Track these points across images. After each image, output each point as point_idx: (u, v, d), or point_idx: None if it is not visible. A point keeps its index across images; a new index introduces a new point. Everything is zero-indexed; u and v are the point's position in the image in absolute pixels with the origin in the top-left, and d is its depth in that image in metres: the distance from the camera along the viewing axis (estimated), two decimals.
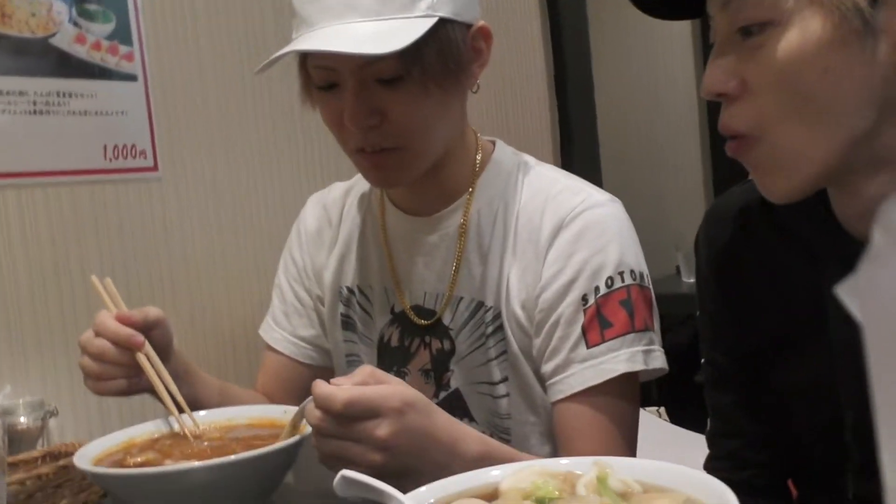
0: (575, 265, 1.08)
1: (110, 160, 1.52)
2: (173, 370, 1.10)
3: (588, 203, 1.11)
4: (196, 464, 0.91)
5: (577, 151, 2.52)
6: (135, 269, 1.57)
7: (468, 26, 1.08)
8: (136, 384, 1.08)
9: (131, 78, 1.55)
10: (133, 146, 1.55)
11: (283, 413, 1.07)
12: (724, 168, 3.07)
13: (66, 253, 1.48)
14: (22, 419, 1.28)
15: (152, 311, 1.10)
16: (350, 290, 1.26)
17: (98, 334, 1.06)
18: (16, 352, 1.42)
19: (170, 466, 0.92)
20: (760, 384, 0.94)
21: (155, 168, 1.60)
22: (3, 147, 1.40)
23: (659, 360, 1.08)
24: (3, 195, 1.40)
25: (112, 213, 1.54)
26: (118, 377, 1.06)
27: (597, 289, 1.07)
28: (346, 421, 0.84)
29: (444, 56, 1.04)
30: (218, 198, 1.70)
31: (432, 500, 0.69)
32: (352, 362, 1.25)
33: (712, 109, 3.12)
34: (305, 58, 1.09)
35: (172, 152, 1.63)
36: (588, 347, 1.06)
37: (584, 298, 1.07)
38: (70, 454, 1.05)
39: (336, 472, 0.69)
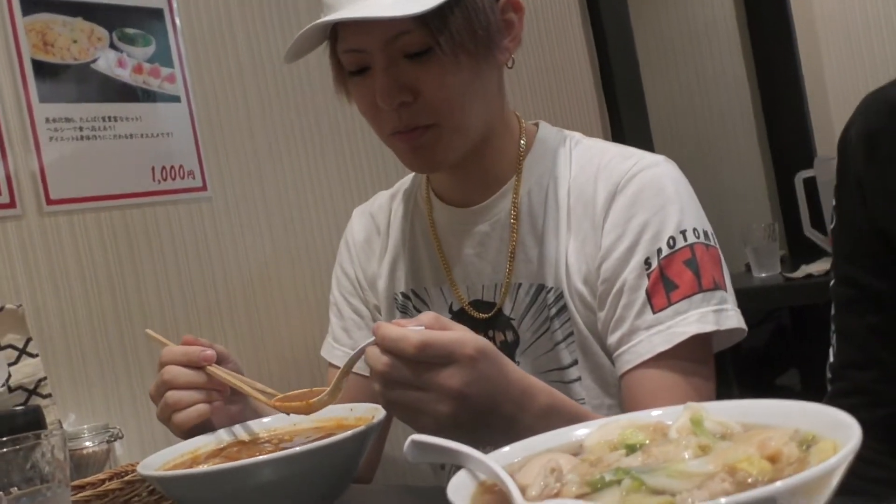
0: (634, 229, 1.03)
1: (159, 182, 1.52)
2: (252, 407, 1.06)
3: (641, 165, 1.07)
4: (265, 457, 0.87)
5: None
6: (190, 288, 1.56)
7: None
8: (219, 410, 1.03)
9: (174, 99, 1.55)
10: (181, 167, 1.55)
11: (349, 411, 1.04)
12: (786, 157, 2.97)
13: (122, 276, 1.48)
14: (87, 444, 1.26)
15: (218, 346, 1.07)
16: (405, 296, 1.23)
17: (166, 363, 1.02)
18: (78, 379, 1.41)
19: (238, 462, 0.88)
20: None
21: (204, 188, 1.59)
22: (54, 174, 1.40)
23: (733, 320, 1.01)
24: (56, 222, 1.40)
25: (165, 234, 1.53)
26: (196, 402, 1.00)
27: (659, 251, 1.02)
28: (417, 367, 0.79)
29: (470, 22, 1.01)
30: (269, 214, 1.69)
31: (517, 460, 0.64)
32: None
33: (765, 98, 3.04)
34: (335, 47, 1.07)
35: (221, 171, 1.62)
36: (654, 312, 1.00)
37: (647, 262, 1.02)
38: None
39: (404, 422, 0.64)
